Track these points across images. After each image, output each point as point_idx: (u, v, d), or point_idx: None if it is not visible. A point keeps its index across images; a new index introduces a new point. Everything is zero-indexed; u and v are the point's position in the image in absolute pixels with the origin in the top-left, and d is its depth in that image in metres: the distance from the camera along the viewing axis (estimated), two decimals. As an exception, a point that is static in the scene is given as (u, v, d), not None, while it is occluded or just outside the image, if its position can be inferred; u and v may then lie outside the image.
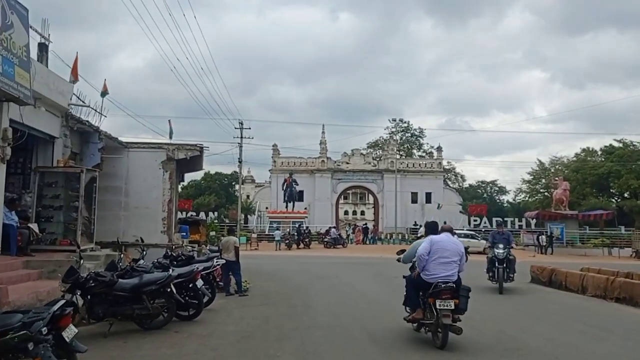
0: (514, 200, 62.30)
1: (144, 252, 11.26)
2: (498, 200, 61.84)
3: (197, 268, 9.41)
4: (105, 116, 14.59)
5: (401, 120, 72.09)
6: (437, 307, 6.77)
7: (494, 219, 46.82)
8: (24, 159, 12.35)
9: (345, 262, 22.82)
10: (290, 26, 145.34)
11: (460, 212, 52.06)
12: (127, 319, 7.95)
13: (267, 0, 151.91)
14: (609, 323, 9.18)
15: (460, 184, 70.27)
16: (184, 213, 37.75)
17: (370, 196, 65.14)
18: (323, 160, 55.58)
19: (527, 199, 60.93)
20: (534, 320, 9.26)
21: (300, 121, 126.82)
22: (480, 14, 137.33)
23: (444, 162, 59.06)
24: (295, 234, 36.97)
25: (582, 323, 9.15)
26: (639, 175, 48.41)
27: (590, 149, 58.45)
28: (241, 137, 40.07)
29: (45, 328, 4.55)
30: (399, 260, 8.25)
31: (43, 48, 13.05)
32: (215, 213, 48.20)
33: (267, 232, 44.15)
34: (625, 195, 51.36)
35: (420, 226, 45.65)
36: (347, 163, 56.19)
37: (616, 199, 52.85)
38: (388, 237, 46.72)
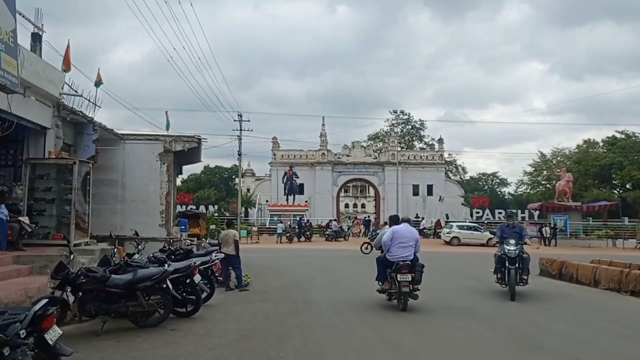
0: (515, 192, 61.85)
1: (140, 247, 10.85)
2: (499, 192, 61.32)
3: (195, 263, 9.01)
4: (100, 107, 14.22)
5: (402, 112, 71.38)
6: (398, 279, 8.95)
7: (497, 211, 46.43)
8: (14, 151, 11.96)
9: (347, 256, 22.43)
10: (287, 19, 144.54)
11: (462, 204, 51.65)
12: (121, 317, 7.54)
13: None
14: (630, 319, 8.73)
15: (462, 176, 69.70)
16: (184, 206, 37.35)
17: (371, 189, 64.70)
18: (323, 153, 55.04)
19: (528, 190, 60.50)
20: (549, 317, 8.78)
21: (300, 115, 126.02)
22: (477, 6, 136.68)
23: (445, 155, 58.57)
24: (296, 227, 36.64)
25: (600, 319, 8.72)
26: (641, 166, 47.99)
27: (592, 141, 57.97)
28: (240, 130, 39.61)
29: (24, 331, 4.14)
30: (363, 251, 10.14)
31: (36, 38, 12.58)
32: (216, 206, 47.78)
33: (267, 225, 43.77)
34: (628, 186, 50.95)
35: (423, 218, 45.52)
36: (348, 156, 55.67)
37: (618, 190, 52.43)
38: (390, 230, 46.19)
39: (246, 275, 12.65)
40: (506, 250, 10.69)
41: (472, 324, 8.04)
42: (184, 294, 8.53)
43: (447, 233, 34.67)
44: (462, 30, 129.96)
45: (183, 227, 17.68)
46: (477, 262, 21.17)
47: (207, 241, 17.03)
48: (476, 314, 8.85)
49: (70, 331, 7.37)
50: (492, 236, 33.29)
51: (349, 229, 44.18)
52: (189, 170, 65.28)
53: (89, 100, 13.66)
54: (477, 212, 47.38)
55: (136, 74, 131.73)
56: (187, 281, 8.59)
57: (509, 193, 61.59)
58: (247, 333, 7.30)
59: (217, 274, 11.68)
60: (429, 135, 68.94)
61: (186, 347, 6.50)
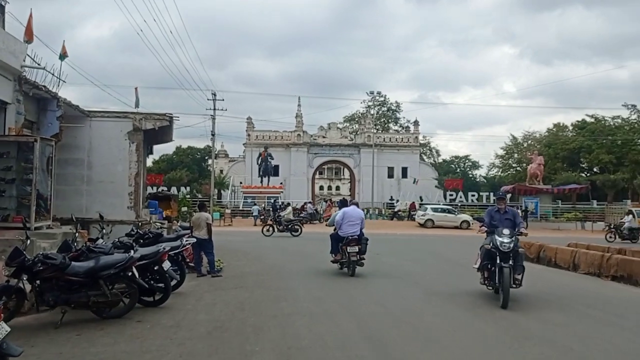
0: (487, 175, 62.50)
1: (104, 231, 10.21)
2: (471, 175, 61.87)
3: (164, 248, 8.44)
4: (65, 81, 13.30)
5: (379, 94, 70.66)
6: (348, 251, 11.07)
7: (470, 194, 46.78)
8: (-29, 127, 11.05)
9: (323, 239, 22.03)
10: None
11: (436, 186, 51.97)
12: (82, 307, 6.95)
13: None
14: (617, 307, 8.50)
15: (435, 159, 70.10)
16: (155, 188, 36.30)
17: (346, 171, 64.50)
18: (299, 134, 54.39)
19: (500, 173, 61.22)
20: (534, 302, 8.51)
21: (274, 94, 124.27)
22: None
23: (420, 137, 58.61)
24: (270, 209, 36.04)
25: (587, 305, 8.49)
26: (610, 150, 48.93)
27: (562, 124, 58.80)
28: (214, 109, 38.67)
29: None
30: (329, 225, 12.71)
31: (-1, 10, 11.61)
32: (188, 188, 46.74)
33: (241, 208, 43.09)
34: (595, 169, 51.98)
35: (397, 200, 45.60)
36: (324, 137, 55.16)
37: (586, 173, 53.47)
38: (365, 211, 46.17)
39: (219, 260, 12.13)
40: (498, 243, 8.19)
41: (456, 313, 7.74)
42: (152, 282, 7.99)
43: (422, 215, 34.69)
44: (435, 13, 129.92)
45: (153, 209, 17.01)
46: (453, 244, 21.14)
47: (179, 224, 16.41)
48: (459, 301, 8.57)
49: (28, 322, 6.80)
50: (467, 218, 33.46)
51: (324, 211, 43.86)
52: (160, 150, 63.82)
53: (53, 74, 12.75)
54: (451, 195, 47.68)
55: (105, 50, 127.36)
56: (156, 268, 8.04)
57: (480, 176, 62.26)
58: (220, 324, 6.79)
59: (188, 259, 11.10)
60: (404, 117, 68.93)
61: (152, 341, 5.95)
